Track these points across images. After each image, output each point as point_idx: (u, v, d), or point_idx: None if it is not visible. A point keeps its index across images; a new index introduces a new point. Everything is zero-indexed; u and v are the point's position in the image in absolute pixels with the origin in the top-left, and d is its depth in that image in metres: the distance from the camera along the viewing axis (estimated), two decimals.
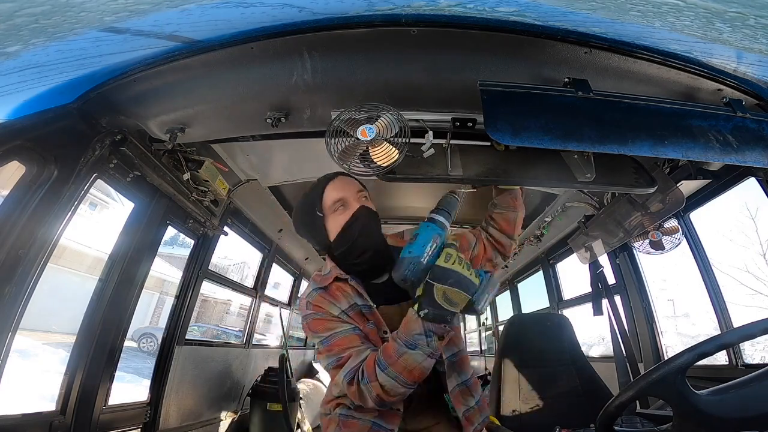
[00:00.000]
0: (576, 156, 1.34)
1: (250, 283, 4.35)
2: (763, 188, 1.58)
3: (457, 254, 0.98)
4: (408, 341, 0.99)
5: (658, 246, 2.25)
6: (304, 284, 5.65)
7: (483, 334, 7.07)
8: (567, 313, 3.58)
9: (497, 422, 1.49)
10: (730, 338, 0.71)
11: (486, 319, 6.82)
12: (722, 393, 0.74)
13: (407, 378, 0.99)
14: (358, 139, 1.18)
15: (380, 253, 1.22)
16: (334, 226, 1.20)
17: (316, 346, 1.22)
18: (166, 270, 12.03)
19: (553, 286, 3.92)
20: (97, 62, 1.39)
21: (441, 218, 1.04)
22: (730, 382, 0.75)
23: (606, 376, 2.23)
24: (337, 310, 1.16)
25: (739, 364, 1.94)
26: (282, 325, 4.85)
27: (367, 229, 1.19)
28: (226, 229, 3.04)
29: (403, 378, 0.99)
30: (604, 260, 2.74)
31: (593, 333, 6.94)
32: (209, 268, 3.05)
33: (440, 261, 0.97)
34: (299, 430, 4.08)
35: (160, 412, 2.59)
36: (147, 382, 2.66)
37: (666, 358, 0.81)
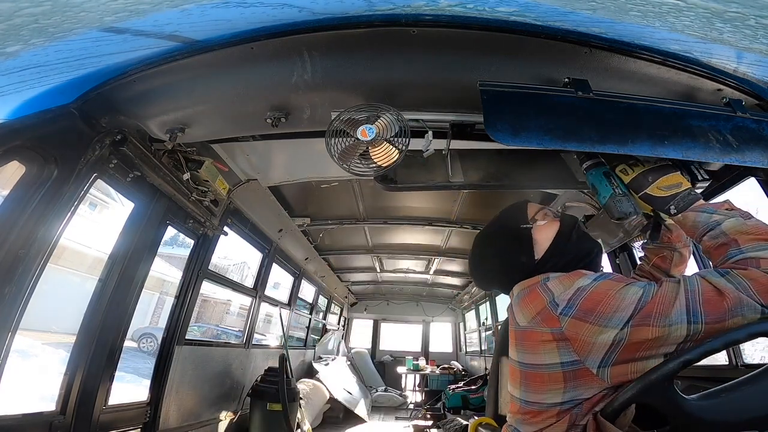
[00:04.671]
0: (576, 156, 1.34)
1: (250, 283, 4.35)
2: (763, 188, 1.58)
3: (625, 165, 1.06)
4: (704, 229, 0.88)
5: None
6: (305, 284, 5.66)
7: (483, 334, 7.07)
8: None
9: (494, 423, 1.49)
10: (713, 345, 0.72)
11: (486, 318, 6.83)
12: (712, 397, 0.74)
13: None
14: (358, 139, 1.19)
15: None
16: (545, 236, 1.06)
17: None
18: (166, 270, 12.04)
19: None
20: (97, 62, 1.39)
21: (591, 161, 1.12)
22: (720, 386, 0.75)
23: None
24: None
25: (739, 364, 1.94)
26: (282, 325, 4.85)
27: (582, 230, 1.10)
28: (226, 229, 3.04)
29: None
30: (603, 260, 2.74)
31: None
32: (209, 268, 3.05)
33: (625, 179, 1.05)
34: (299, 430, 4.07)
35: (160, 412, 2.59)
36: (147, 382, 2.66)
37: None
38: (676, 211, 0.96)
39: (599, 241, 1.15)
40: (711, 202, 0.94)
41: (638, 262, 1.31)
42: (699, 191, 1.04)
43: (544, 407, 0.85)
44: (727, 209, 0.89)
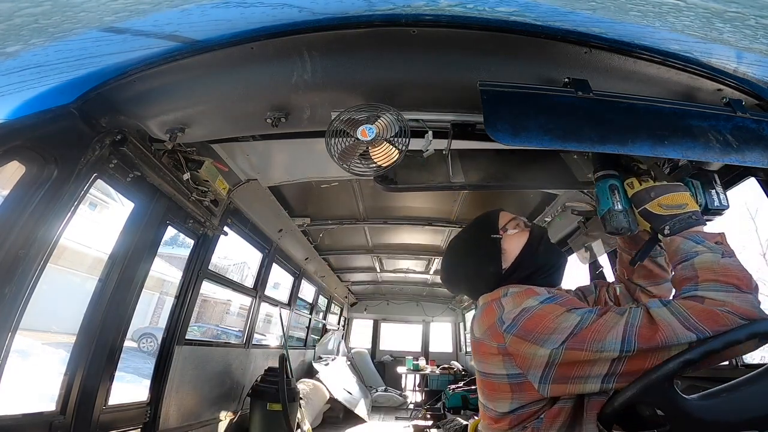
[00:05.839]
0: (576, 156, 1.34)
1: (250, 283, 4.35)
2: (763, 188, 1.58)
3: (635, 179, 1.03)
4: (682, 257, 0.88)
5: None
6: (305, 284, 5.66)
7: None
8: None
9: None
10: (714, 345, 0.72)
11: None
12: (712, 397, 0.75)
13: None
14: (358, 139, 1.19)
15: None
16: (514, 246, 1.09)
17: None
18: (166, 270, 12.04)
19: None
20: (97, 62, 1.39)
21: (603, 171, 1.09)
22: (720, 386, 0.75)
23: None
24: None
25: (739, 364, 1.94)
26: (282, 325, 4.85)
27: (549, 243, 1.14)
28: (226, 229, 3.04)
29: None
30: (604, 260, 2.74)
31: None
32: (209, 268, 3.05)
33: (629, 192, 1.02)
34: (299, 430, 4.07)
35: (160, 412, 2.59)
36: (147, 382, 2.66)
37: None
38: (669, 232, 0.94)
39: (599, 240, 1.14)
40: (707, 231, 0.92)
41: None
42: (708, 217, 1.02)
43: (499, 414, 0.92)
44: (716, 242, 0.87)
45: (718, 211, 1.06)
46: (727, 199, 1.07)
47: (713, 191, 1.06)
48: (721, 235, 0.90)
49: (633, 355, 0.76)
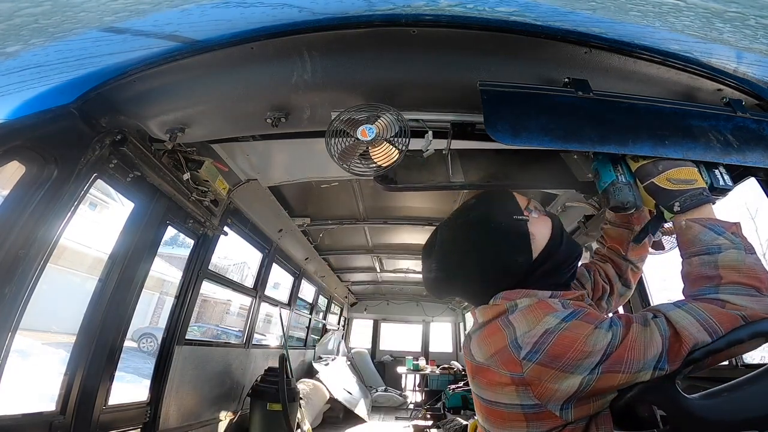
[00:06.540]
0: (576, 156, 1.34)
1: (250, 283, 4.35)
2: (763, 188, 1.58)
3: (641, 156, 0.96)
4: (701, 249, 0.80)
5: (657, 246, 2.23)
6: (305, 284, 5.66)
7: None
8: None
9: None
10: (717, 345, 0.72)
11: None
12: (713, 397, 0.75)
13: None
14: (358, 139, 1.18)
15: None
16: (542, 232, 0.91)
17: None
18: (166, 270, 12.04)
19: None
20: (97, 62, 1.39)
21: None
22: (721, 386, 0.76)
23: None
24: None
25: (739, 364, 1.94)
26: (282, 325, 4.85)
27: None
28: (226, 229, 3.04)
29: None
30: None
31: None
32: (209, 268, 3.05)
33: (633, 166, 0.96)
34: (299, 430, 4.07)
35: (160, 412, 2.59)
36: (147, 382, 2.66)
37: None
38: (680, 208, 0.86)
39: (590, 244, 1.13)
40: (723, 220, 0.84)
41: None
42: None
43: None
44: (733, 233, 0.81)
45: (723, 192, 0.99)
46: (732, 180, 1.01)
47: (716, 171, 0.99)
48: (737, 225, 0.83)
49: (665, 371, 0.71)
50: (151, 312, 13.47)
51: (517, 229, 0.89)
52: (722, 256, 0.78)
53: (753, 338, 0.72)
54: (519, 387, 0.75)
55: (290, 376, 3.98)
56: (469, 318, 8.15)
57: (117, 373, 2.20)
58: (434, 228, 1.02)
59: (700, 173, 0.96)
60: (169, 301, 3.23)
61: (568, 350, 0.72)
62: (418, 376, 7.48)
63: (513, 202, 0.94)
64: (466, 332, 0.94)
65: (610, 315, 0.84)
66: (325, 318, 7.65)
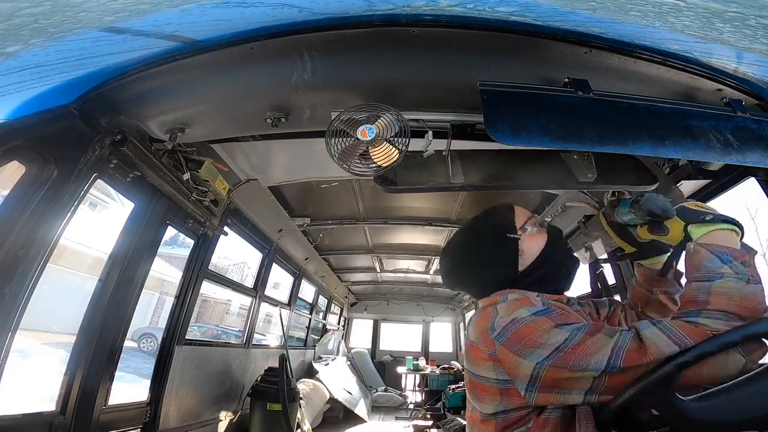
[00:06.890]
0: (576, 156, 1.34)
1: (250, 283, 4.35)
2: (763, 188, 1.58)
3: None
4: (703, 275, 0.81)
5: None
6: (305, 284, 5.66)
7: None
8: None
9: None
10: (709, 347, 0.72)
11: None
12: (710, 398, 0.75)
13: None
14: (358, 139, 1.19)
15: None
16: (533, 247, 1.03)
17: None
18: (166, 270, 12.05)
19: None
20: (97, 62, 1.39)
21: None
22: (718, 387, 0.75)
23: None
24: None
25: None
26: (282, 325, 4.85)
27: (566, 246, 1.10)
28: (226, 229, 3.04)
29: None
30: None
31: None
32: (209, 268, 3.05)
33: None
34: (299, 430, 4.08)
35: (160, 412, 2.59)
36: (147, 382, 2.66)
37: None
38: (712, 218, 0.87)
39: (599, 240, 1.14)
40: (737, 249, 0.82)
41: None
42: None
43: (485, 416, 0.91)
44: (743, 262, 0.80)
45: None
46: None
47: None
48: (751, 254, 0.82)
49: (616, 373, 0.76)
50: (151, 312, 13.48)
51: (507, 246, 1.03)
52: (719, 283, 0.79)
53: (721, 349, 0.73)
54: (494, 363, 0.87)
55: (290, 376, 3.98)
56: (469, 318, 8.15)
57: (117, 373, 2.20)
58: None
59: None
60: (169, 301, 3.23)
61: (523, 338, 0.84)
62: (418, 376, 7.48)
63: (509, 220, 1.06)
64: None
65: (590, 322, 0.88)
66: (325, 318, 7.65)
